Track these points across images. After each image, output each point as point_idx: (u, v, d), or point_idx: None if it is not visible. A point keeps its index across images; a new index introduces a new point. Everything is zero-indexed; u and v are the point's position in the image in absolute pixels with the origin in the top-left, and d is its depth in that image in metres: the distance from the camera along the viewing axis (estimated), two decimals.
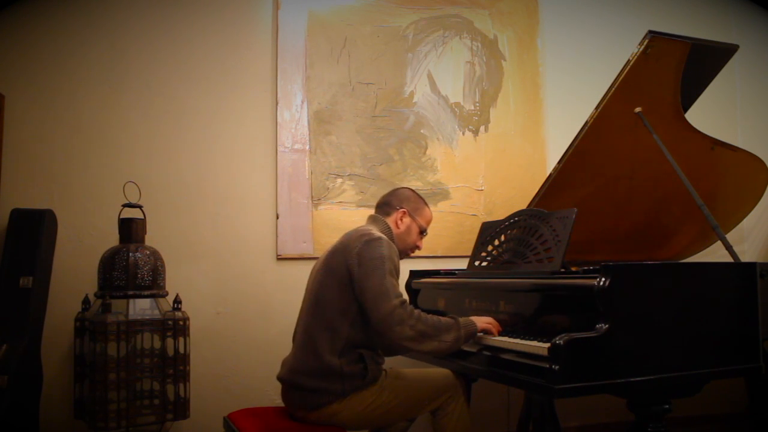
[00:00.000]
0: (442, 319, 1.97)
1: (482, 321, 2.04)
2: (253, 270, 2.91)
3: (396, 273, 2.00)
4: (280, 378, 2.07)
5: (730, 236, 2.40)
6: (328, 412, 1.95)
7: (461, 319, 2.00)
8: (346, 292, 1.97)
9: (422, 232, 2.28)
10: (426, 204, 2.31)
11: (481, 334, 2.03)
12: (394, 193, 2.30)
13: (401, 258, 2.15)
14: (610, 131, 2.43)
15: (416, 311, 1.92)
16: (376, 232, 2.06)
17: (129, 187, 2.61)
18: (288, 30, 3.03)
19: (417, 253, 2.34)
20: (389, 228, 2.20)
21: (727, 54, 2.51)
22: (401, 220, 2.23)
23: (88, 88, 2.78)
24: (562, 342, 1.61)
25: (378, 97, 3.13)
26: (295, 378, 1.98)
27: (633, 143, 2.48)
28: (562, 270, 2.03)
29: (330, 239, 2.34)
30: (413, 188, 2.38)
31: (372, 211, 2.30)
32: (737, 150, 2.63)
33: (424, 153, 3.18)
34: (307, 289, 2.16)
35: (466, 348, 2.06)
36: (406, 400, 2.05)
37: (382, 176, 3.08)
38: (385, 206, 2.27)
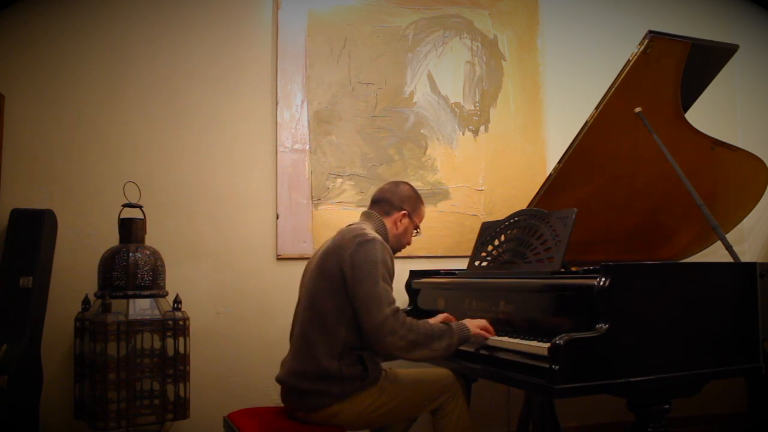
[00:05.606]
0: (435, 326, 1.95)
1: (475, 325, 2.02)
2: (253, 270, 2.91)
3: (390, 276, 1.97)
4: (279, 379, 2.06)
5: (730, 236, 2.39)
6: (328, 413, 1.94)
7: (454, 324, 1.98)
8: (341, 295, 1.94)
9: (416, 228, 2.26)
10: (423, 202, 2.28)
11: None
12: (396, 191, 2.22)
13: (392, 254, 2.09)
14: (610, 131, 2.43)
15: (408, 319, 1.89)
16: (370, 232, 2.01)
17: (129, 187, 2.61)
18: (288, 30, 3.03)
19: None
20: (384, 226, 2.16)
21: (727, 54, 2.51)
22: (400, 221, 2.19)
23: (88, 88, 2.78)
24: (562, 342, 1.61)
25: (378, 97, 3.12)
26: (294, 380, 1.98)
27: (633, 143, 2.48)
28: (562, 270, 2.03)
29: None
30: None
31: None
32: (737, 150, 2.63)
33: (424, 153, 3.18)
34: (301, 289, 2.14)
35: (465, 348, 2.06)
36: (406, 401, 2.04)
37: (382, 176, 3.08)
38: (384, 204, 2.21)
